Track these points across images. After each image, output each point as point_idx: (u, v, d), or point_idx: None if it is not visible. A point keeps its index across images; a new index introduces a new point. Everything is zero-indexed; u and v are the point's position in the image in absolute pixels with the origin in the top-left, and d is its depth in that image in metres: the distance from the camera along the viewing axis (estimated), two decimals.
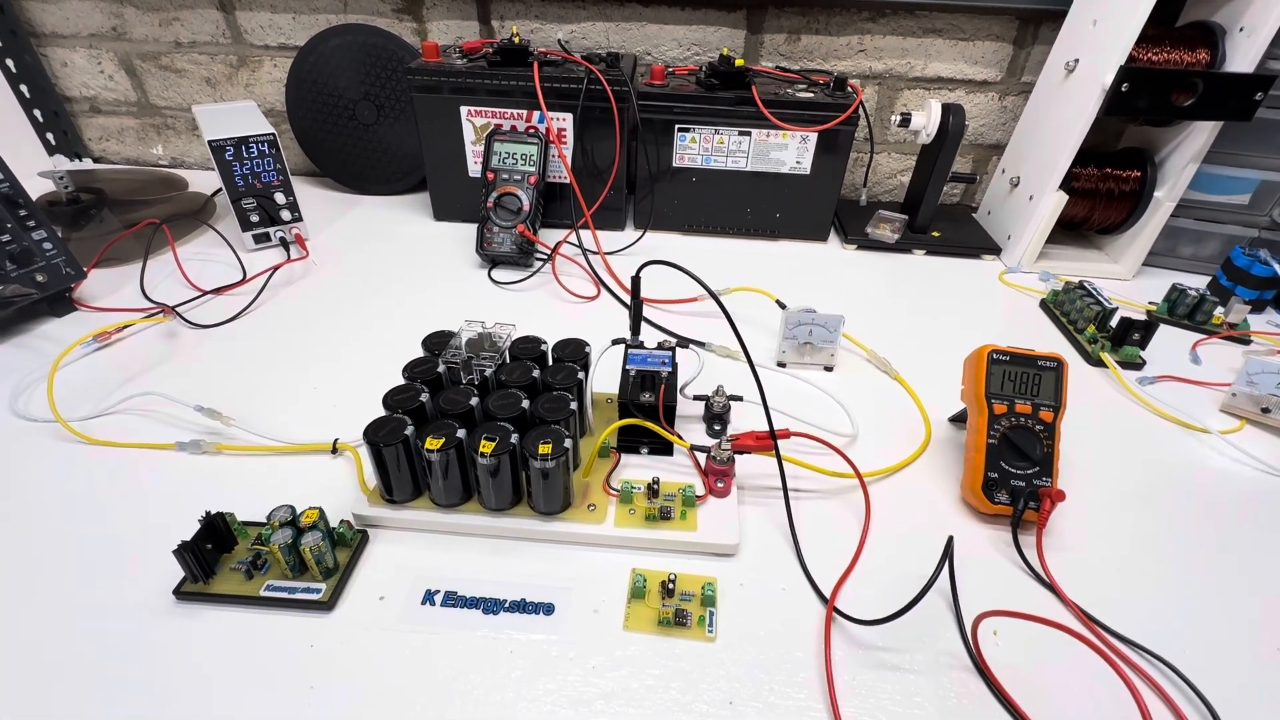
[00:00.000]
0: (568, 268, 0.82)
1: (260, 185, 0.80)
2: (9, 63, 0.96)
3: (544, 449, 0.42)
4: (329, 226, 0.90)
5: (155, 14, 0.96)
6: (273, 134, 0.78)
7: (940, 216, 0.94)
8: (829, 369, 0.65)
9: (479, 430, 0.43)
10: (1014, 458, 0.48)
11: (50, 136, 1.03)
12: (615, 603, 0.42)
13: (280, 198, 0.81)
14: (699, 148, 0.85)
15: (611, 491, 0.47)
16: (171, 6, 0.95)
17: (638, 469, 0.50)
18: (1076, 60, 0.77)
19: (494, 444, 0.42)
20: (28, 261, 0.64)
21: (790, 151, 0.85)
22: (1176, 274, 0.87)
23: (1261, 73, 0.70)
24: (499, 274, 0.80)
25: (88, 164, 1.08)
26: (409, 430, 0.43)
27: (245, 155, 0.78)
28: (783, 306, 0.70)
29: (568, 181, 0.85)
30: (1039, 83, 0.86)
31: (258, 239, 0.82)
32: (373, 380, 0.59)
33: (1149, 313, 0.76)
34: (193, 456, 0.52)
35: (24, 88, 0.98)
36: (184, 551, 0.39)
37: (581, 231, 0.85)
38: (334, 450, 0.52)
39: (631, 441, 0.51)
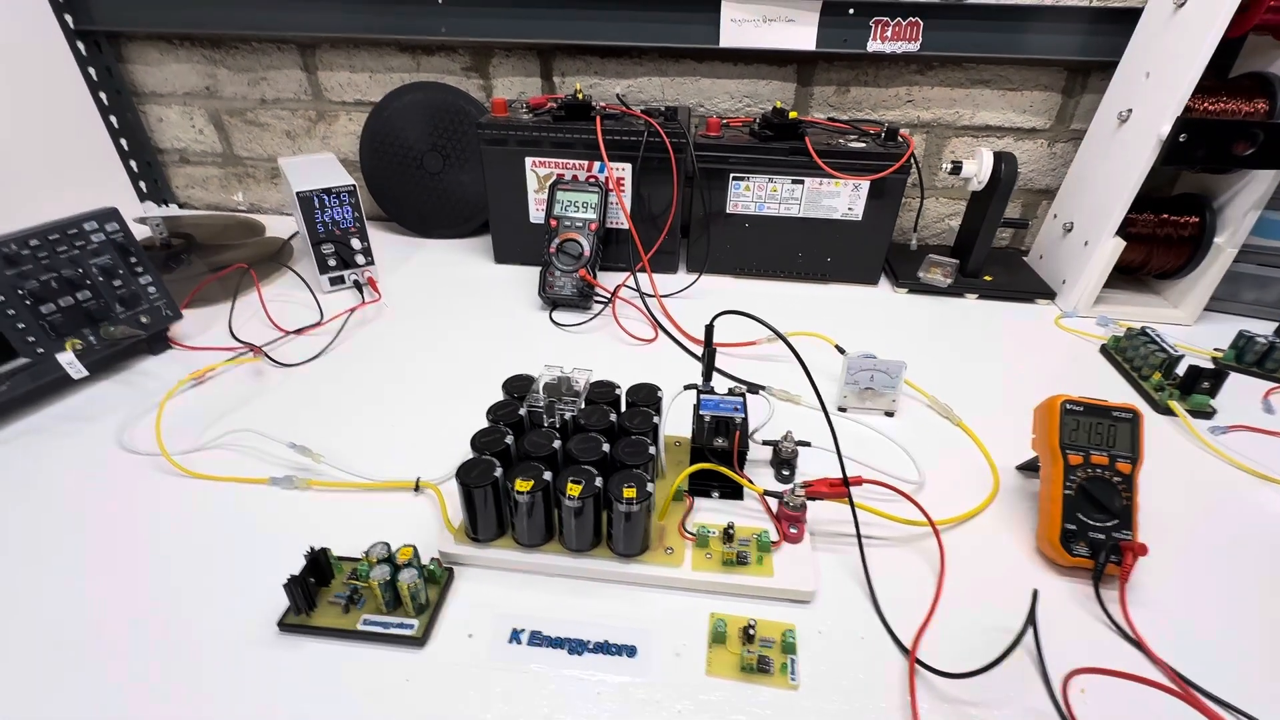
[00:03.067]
0: (625, 310, 0.84)
1: (339, 232, 0.85)
2: (113, 119, 1.05)
3: (629, 493, 0.43)
4: (397, 269, 0.95)
5: (245, 74, 1.04)
6: (353, 185, 0.84)
7: (990, 260, 0.95)
8: (890, 414, 0.66)
9: (565, 473, 0.45)
10: (1092, 509, 0.48)
11: (143, 184, 1.12)
12: (696, 647, 0.43)
13: (356, 243, 0.86)
14: (752, 195, 0.88)
15: (688, 535, 0.48)
16: (260, 68, 1.03)
17: (709, 512, 0.51)
18: (1130, 110, 0.79)
19: (580, 487, 0.44)
20: (135, 304, 0.69)
21: (842, 199, 0.87)
22: (1240, 319, 0.86)
23: None
24: (560, 316, 0.83)
25: (174, 209, 1.16)
26: (498, 472, 0.45)
27: (327, 204, 0.83)
28: (842, 352, 0.72)
29: (625, 227, 0.89)
30: (1090, 131, 0.87)
31: (333, 281, 0.87)
32: (448, 418, 0.63)
33: (1216, 360, 0.75)
34: (284, 491, 0.55)
35: (124, 141, 1.07)
36: (293, 585, 0.41)
37: (638, 274, 0.88)
38: (416, 488, 0.55)
39: (703, 485, 0.53)
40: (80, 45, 0.98)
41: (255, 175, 1.14)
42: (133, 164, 1.09)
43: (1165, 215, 0.83)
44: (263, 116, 1.08)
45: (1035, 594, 0.40)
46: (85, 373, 0.62)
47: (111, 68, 1.03)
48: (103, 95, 1.02)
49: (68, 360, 0.60)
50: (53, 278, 0.62)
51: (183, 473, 0.56)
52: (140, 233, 0.91)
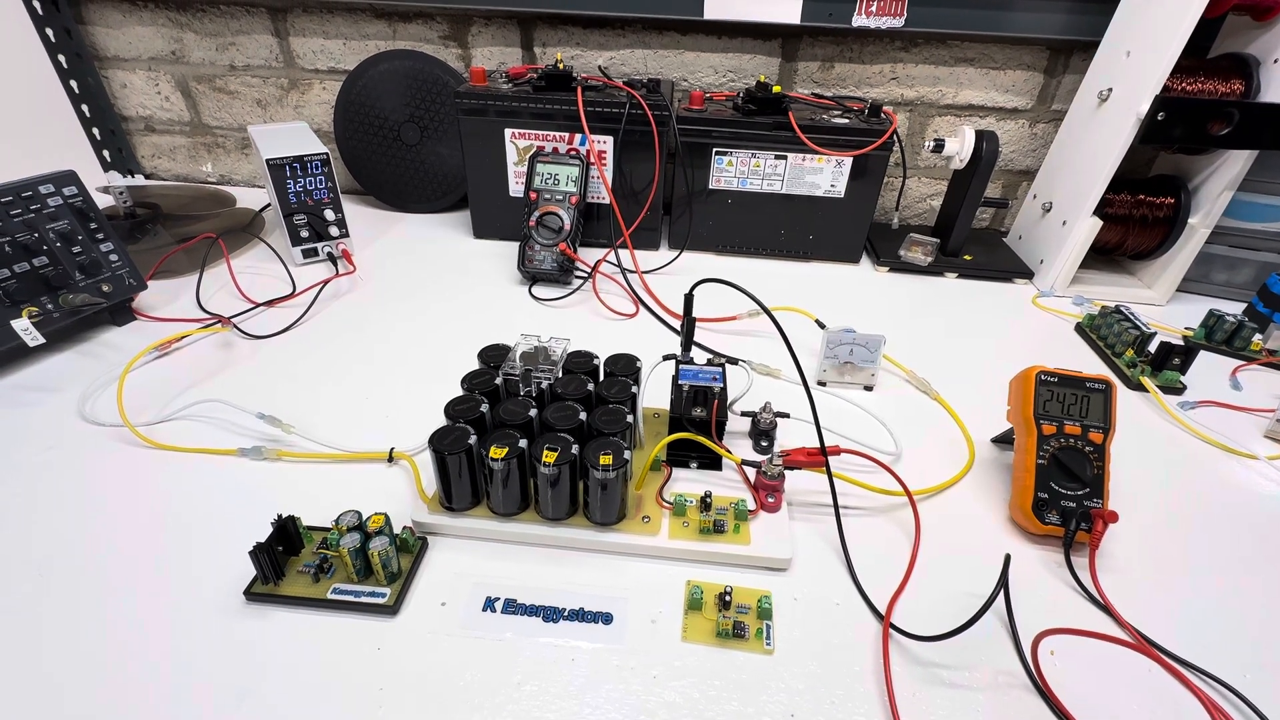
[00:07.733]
0: (606, 285, 0.83)
1: (311, 202, 0.83)
2: (73, 84, 1.00)
3: (605, 460, 0.43)
4: (372, 243, 0.93)
5: (213, 39, 1.00)
6: (326, 153, 0.81)
7: (971, 240, 0.95)
8: (869, 389, 0.66)
9: (540, 440, 0.44)
10: (1064, 479, 0.48)
11: (106, 153, 1.08)
12: (672, 614, 0.42)
13: (330, 214, 0.84)
14: (735, 170, 0.87)
15: (665, 504, 0.48)
16: (229, 32, 0.99)
17: (687, 482, 0.51)
18: (1110, 89, 0.79)
19: (556, 454, 0.43)
20: (95, 272, 0.66)
21: (825, 175, 0.86)
22: (1210, 300, 0.87)
23: None
24: (539, 290, 0.82)
25: (140, 180, 1.12)
26: (473, 439, 0.44)
27: (299, 173, 0.81)
28: (822, 326, 0.71)
29: (606, 202, 0.87)
30: (1071, 111, 0.87)
31: (306, 254, 0.85)
32: (423, 391, 0.62)
33: (1187, 338, 0.77)
34: (253, 462, 0.53)
35: (85, 107, 1.03)
36: (259, 553, 0.40)
37: (619, 250, 0.87)
38: (390, 459, 0.53)
39: (681, 455, 0.52)
40: (36, 4, 0.94)
41: (225, 145, 1.10)
42: (95, 132, 1.05)
43: (1142, 196, 0.83)
44: (232, 84, 1.04)
45: (1008, 558, 0.40)
46: (42, 340, 0.59)
47: (71, 29, 0.99)
48: (61, 58, 0.98)
49: (23, 327, 0.58)
50: (6, 242, 0.60)
51: (147, 444, 0.54)
52: (103, 202, 0.88)
